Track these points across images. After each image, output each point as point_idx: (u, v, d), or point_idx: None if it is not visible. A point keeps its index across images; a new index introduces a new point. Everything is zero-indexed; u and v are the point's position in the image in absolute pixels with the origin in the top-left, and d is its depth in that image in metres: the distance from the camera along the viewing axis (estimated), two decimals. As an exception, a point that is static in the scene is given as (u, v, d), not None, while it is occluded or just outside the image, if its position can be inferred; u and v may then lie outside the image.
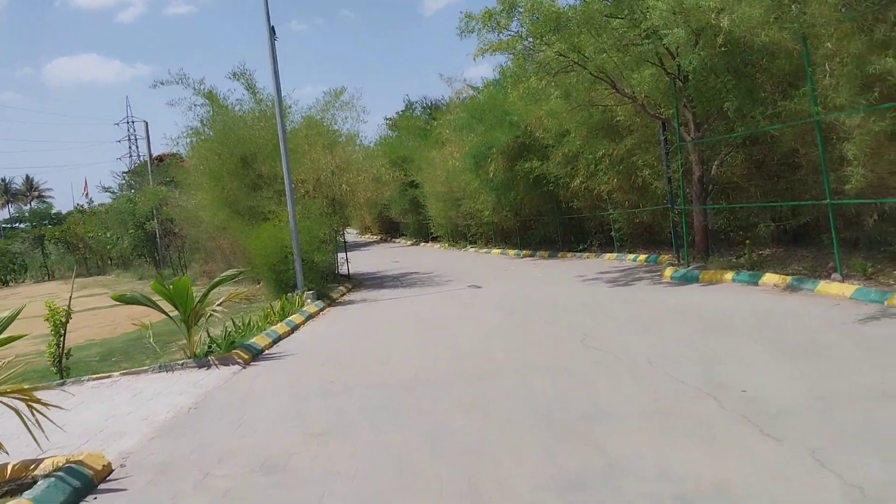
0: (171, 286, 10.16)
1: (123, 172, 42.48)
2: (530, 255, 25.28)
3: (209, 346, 10.80)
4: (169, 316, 10.51)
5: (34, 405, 5.65)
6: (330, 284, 19.43)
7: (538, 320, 11.47)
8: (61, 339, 10.18)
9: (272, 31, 17.23)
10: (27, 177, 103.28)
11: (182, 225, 30.76)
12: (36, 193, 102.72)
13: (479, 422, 6.02)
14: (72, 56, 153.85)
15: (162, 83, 20.78)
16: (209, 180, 21.67)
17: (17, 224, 53.30)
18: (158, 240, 36.28)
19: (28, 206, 74.21)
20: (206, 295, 10.60)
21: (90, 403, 8.47)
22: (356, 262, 26.08)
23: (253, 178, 20.15)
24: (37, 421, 5.65)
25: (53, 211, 55.86)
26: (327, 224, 19.00)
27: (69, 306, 10.31)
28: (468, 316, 12.71)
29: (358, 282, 21.97)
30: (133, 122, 46.36)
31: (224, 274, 11.32)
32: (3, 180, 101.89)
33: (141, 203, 34.25)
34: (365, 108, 22.38)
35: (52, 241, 46.88)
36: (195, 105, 21.43)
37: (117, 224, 37.40)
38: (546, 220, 25.89)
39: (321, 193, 19.88)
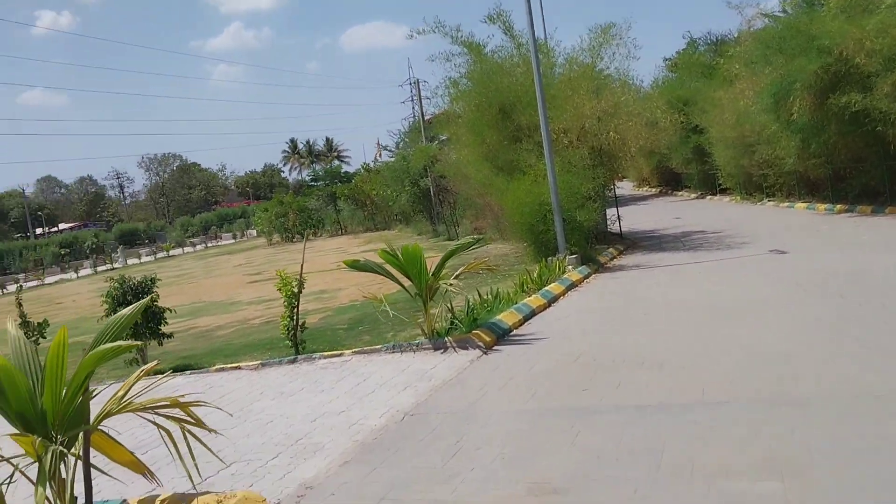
0: (402, 253, 8.86)
1: (399, 131, 43.82)
2: (846, 211, 20.86)
3: (451, 323, 9.41)
4: (403, 287, 9.27)
5: (188, 426, 4.41)
6: (598, 246, 17.34)
7: (886, 311, 8.13)
8: (294, 310, 9.40)
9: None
10: (327, 139, 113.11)
11: (452, 181, 30.44)
12: (335, 154, 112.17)
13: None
14: (362, 24, 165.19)
15: (419, 33, 19.82)
16: (469, 134, 20.51)
17: (314, 182, 57.72)
18: (432, 196, 36.56)
19: (330, 165, 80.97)
20: (440, 266, 9.17)
21: (308, 393, 7.45)
22: (630, 219, 23.56)
23: (512, 130, 18.54)
24: (186, 438, 4.41)
25: (343, 170, 59.52)
26: (591, 177, 16.76)
27: (301, 276, 9.49)
28: (775, 297, 9.74)
29: (631, 242, 19.57)
30: (414, 83, 47.29)
31: (459, 242, 9.83)
32: (308, 142, 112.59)
33: (414, 160, 34.56)
34: (636, 41, 19.19)
35: (343, 199, 49.93)
36: (452, 55, 20.19)
37: (394, 182, 38.38)
38: (867, 168, 21.16)
39: (585, 143, 17.69)
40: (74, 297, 33.06)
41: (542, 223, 15.05)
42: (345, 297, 17.14)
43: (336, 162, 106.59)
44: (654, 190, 50.65)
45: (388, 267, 9.06)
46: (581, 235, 15.39)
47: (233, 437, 6.11)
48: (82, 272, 48.67)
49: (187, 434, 4.33)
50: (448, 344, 8.66)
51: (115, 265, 50.98)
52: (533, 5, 16.10)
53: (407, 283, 9.19)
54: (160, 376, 9.61)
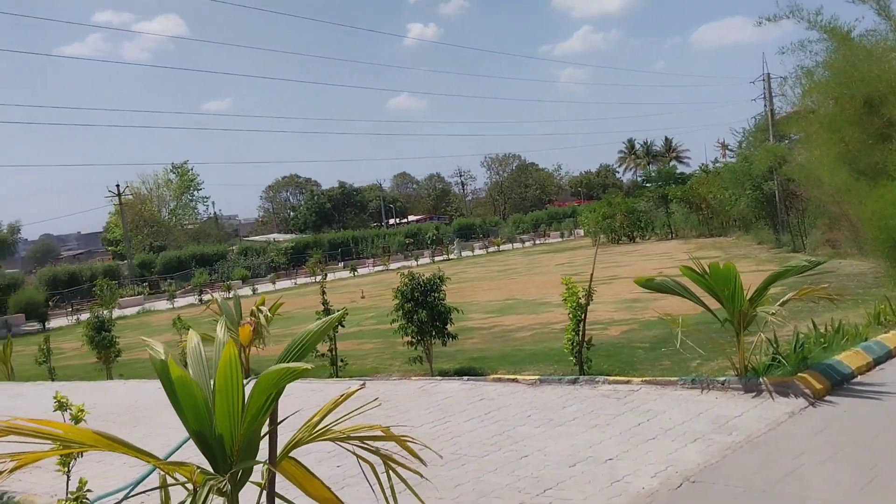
0: (709, 272, 7.30)
1: (744, 130, 39.94)
2: None
3: (773, 359, 7.60)
4: (710, 311, 7.69)
5: (392, 463, 3.59)
6: None
7: None
8: (580, 324, 8.35)
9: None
10: (666, 139, 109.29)
11: (802, 185, 26.86)
12: (674, 154, 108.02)
13: None
14: (717, 21, 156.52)
15: (769, 19, 17.43)
16: (823, 131, 17.56)
17: (646, 183, 55.76)
18: (777, 202, 32.79)
19: (665, 166, 78.17)
20: (761, 290, 7.40)
21: (578, 426, 6.36)
22: None
23: (880, 126, 15.35)
24: (395, 476, 3.60)
25: (678, 171, 56.60)
26: None
27: (590, 287, 8.40)
28: None
29: None
30: (765, 79, 43.02)
31: (791, 264, 7.90)
32: (645, 142, 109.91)
33: (757, 161, 31.21)
34: None
35: (675, 201, 47.37)
36: (808, 43, 17.37)
37: (734, 184, 35.18)
38: None
39: None
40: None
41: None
42: (660, 308, 15.63)
43: (673, 163, 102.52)
44: None
45: (693, 287, 7.57)
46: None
47: (480, 468, 5.31)
48: (422, 260, 52.64)
49: (397, 470, 3.54)
50: (763, 386, 6.93)
51: (451, 256, 54.35)
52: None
53: (715, 305, 7.61)
54: (437, 378, 9.34)
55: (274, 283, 45.84)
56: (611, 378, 7.88)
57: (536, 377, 8.31)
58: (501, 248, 59.48)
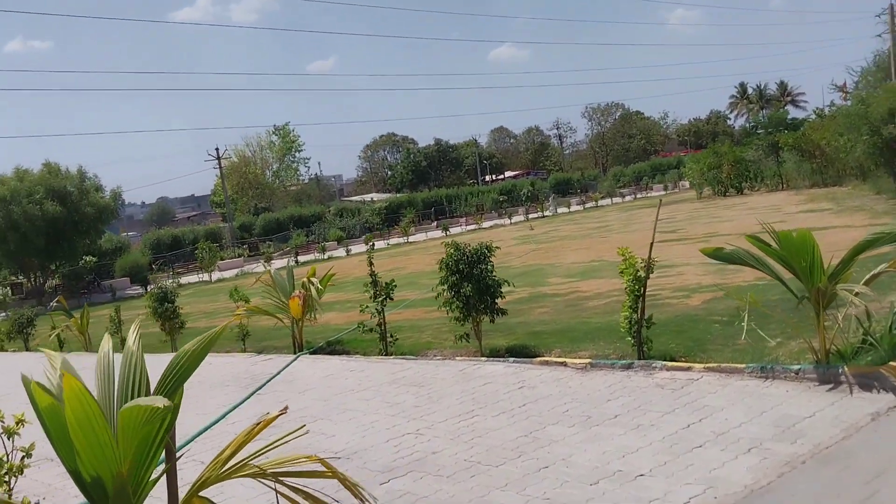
0: (780, 241, 6.22)
1: (861, 69, 36.35)
2: None
3: (863, 341, 6.47)
4: (786, 286, 6.61)
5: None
6: None
7: None
8: (639, 300, 7.42)
9: None
10: (781, 82, 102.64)
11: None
12: (789, 98, 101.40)
13: None
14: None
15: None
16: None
17: (755, 130, 52.33)
18: (898, 148, 29.86)
19: (778, 111, 73.24)
20: (846, 264, 6.24)
21: (618, 427, 5.52)
22: None
23: None
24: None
25: (790, 117, 52.75)
26: None
27: (650, 257, 7.45)
28: None
29: None
30: (892, 11, 39.05)
31: (886, 229, 6.63)
32: (759, 86, 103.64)
33: (875, 104, 28.40)
34: None
35: (786, 149, 44.17)
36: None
37: (848, 129, 32.28)
38: None
39: None
40: (498, 243, 34.69)
41: None
42: (754, 273, 14.29)
43: (788, 107, 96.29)
44: None
45: (766, 257, 6.50)
46: None
47: (489, 483, 4.61)
48: (515, 218, 51.65)
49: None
50: (843, 377, 5.85)
51: (546, 213, 53.08)
52: None
53: (791, 278, 6.53)
54: (482, 359, 8.63)
55: (367, 243, 46.03)
56: (669, 364, 6.96)
57: (587, 361, 7.48)
58: (600, 203, 57.61)
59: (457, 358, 8.63)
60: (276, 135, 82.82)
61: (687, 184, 56.67)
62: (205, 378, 9.85)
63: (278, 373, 8.98)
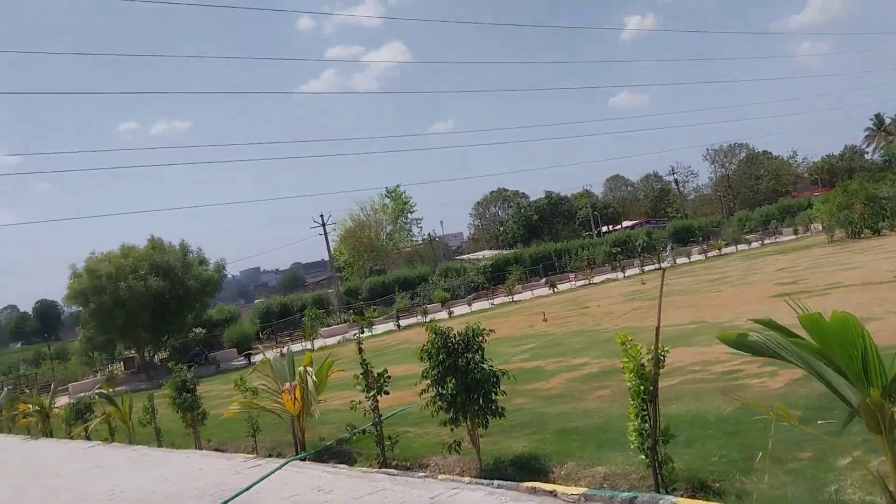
0: (806, 326, 4.19)
1: None
2: None
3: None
4: (835, 391, 4.54)
5: None
6: None
7: None
8: (647, 404, 5.52)
9: None
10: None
11: None
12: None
13: None
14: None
15: None
16: None
17: (889, 163, 47.49)
18: None
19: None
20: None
21: None
22: None
23: None
24: None
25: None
26: None
27: (657, 346, 5.58)
28: None
29: None
30: None
31: None
32: (878, 115, 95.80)
33: None
34: None
35: (929, 183, 39.62)
36: None
37: None
38: None
39: None
40: (603, 300, 32.48)
41: None
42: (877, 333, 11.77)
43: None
44: None
45: (801, 350, 4.47)
46: None
47: None
48: (630, 271, 48.93)
49: None
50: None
51: (664, 264, 50.04)
52: None
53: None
54: (463, 482, 6.86)
55: (470, 304, 44.76)
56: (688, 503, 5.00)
57: (582, 491, 5.55)
58: (723, 251, 53.85)
59: (439, 476, 6.90)
60: (389, 197, 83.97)
61: (819, 226, 52.13)
62: (174, 492, 8.67)
63: (235, 496, 7.57)
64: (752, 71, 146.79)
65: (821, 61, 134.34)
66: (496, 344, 22.72)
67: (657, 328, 5.59)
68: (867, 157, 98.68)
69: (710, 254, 53.45)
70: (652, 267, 49.63)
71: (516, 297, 45.17)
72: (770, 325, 4.44)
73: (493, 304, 44.33)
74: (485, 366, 6.87)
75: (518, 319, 31.10)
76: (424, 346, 6.99)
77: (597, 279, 47.45)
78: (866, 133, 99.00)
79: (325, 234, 56.53)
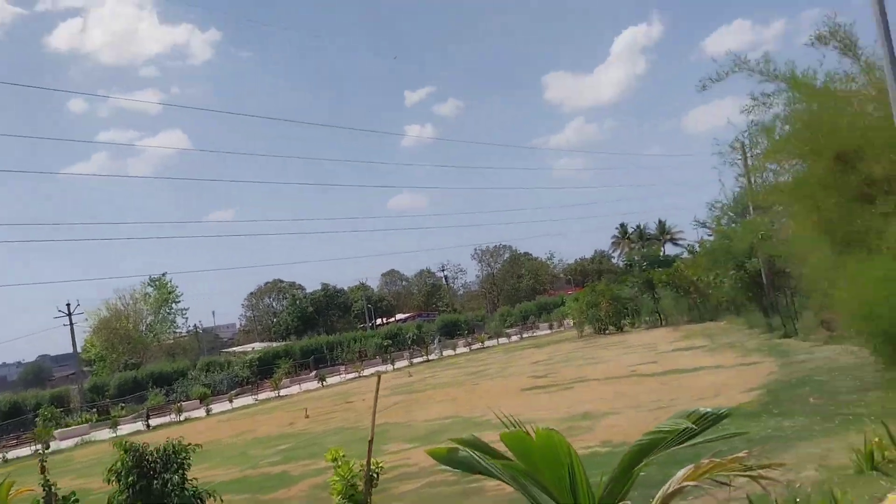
0: (510, 446, 3.94)
1: (721, 205, 37.00)
2: None
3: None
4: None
5: None
6: None
7: None
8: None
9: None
10: (660, 221, 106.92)
11: (789, 262, 24.01)
12: (668, 237, 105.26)
13: None
14: (707, 104, 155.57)
15: (712, 81, 15.01)
16: (794, 198, 14.69)
17: (631, 267, 52.77)
18: (764, 281, 29.68)
19: (650, 249, 75.35)
20: (622, 475, 4.01)
21: None
22: None
23: (857, 186, 12.41)
24: None
25: (664, 254, 53.76)
26: None
27: (368, 464, 5.17)
28: None
29: None
30: (743, 150, 40.28)
31: (674, 423, 4.34)
32: (639, 226, 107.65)
33: (736, 239, 28.28)
34: None
35: (661, 285, 44.27)
36: (763, 96, 14.72)
37: (714, 264, 32.23)
38: None
39: None
40: (368, 394, 31.94)
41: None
42: (612, 429, 12.28)
43: (667, 245, 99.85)
44: None
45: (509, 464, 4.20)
46: None
47: None
48: (399, 363, 49.14)
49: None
50: None
51: (431, 356, 50.90)
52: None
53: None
54: None
55: (232, 400, 42.21)
56: None
57: None
58: (486, 344, 56.05)
59: None
60: (152, 286, 78.43)
61: (571, 322, 56.16)
62: None
63: None
64: (517, 181, 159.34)
65: (576, 176, 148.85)
66: (249, 446, 21.38)
67: (370, 442, 5.11)
68: (613, 260, 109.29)
69: (474, 346, 55.35)
70: (420, 359, 50.28)
71: (283, 392, 43.40)
72: (472, 444, 4.12)
73: (257, 400, 42.14)
74: (187, 487, 5.95)
75: (280, 416, 29.70)
76: (112, 465, 5.94)
77: (367, 372, 47.03)
78: (612, 240, 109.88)
79: (71, 323, 51.12)
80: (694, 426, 3.62)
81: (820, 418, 9.04)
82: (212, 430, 29.83)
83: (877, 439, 6.65)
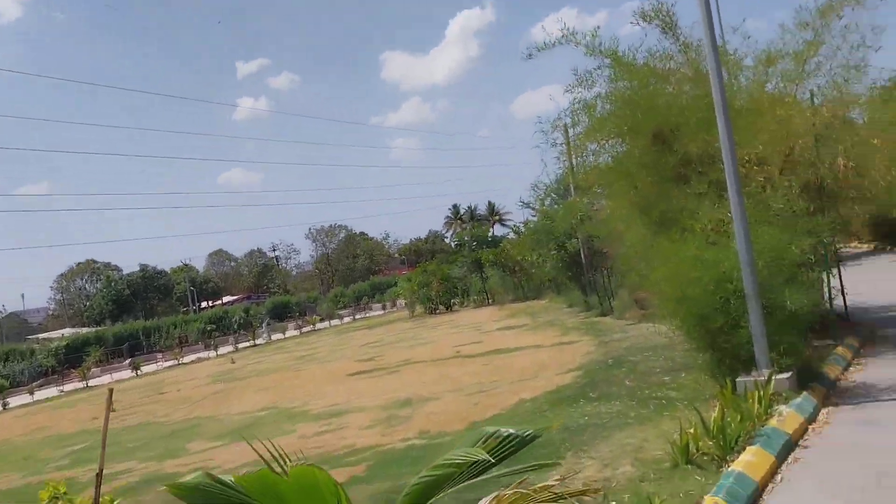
0: (284, 478, 3.06)
1: (545, 185, 38.00)
2: None
3: None
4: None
5: None
6: (817, 343, 10.65)
7: None
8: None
9: None
10: (489, 202, 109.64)
11: (606, 242, 24.52)
12: (497, 218, 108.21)
13: None
14: (534, 90, 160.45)
15: (539, 50, 14.52)
16: (613, 176, 14.66)
17: (460, 247, 53.35)
18: (583, 261, 30.48)
19: (479, 228, 76.84)
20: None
21: None
22: (848, 286, 16.22)
23: (675, 166, 12.47)
24: None
25: (491, 234, 54.79)
26: (806, 230, 10.11)
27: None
28: None
29: (867, 330, 12.58)
30: (566, 130, 41.31)
31: (466, 450, 3.54)
32: (470, 207, 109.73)
33: (558, 219, 28.82)
34: (875, 27, 12.03)
35: (489, 265, 44.98)
36: (583, 74, 14.50)
37: (537, 244, 32.88)
38: None
39: (796, 177, 11.17)
40: (185, 384, 29.87)
41: (723, 314, 8.62)
42: (432, 417, 11.65)
43: (496, 226, 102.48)
44: (866, 246, 41.05)
45: None
46: (794, 332, 8.78)
47: None
48: (223, 349, 46.68)
49: None
50: None
51: (258, 341, 48.79)
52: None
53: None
54: None
55: (33, 393, 38.30)
56: None
57: None
58: (318, 326, 54.63)
59: None
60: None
61: (403, 302, 56.05)
62: None
63: None
64: (354, 159, 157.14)
65: (412, 155, 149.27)
66: (41, 446, 19.04)
67: (98, 475, 3.99)
68: (446, 241, 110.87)
69: (305, 329, 53.79)
70: (247, 344, 48.08)
71: (92, 383, 39.90)
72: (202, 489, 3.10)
73: (62, 392, 38.47)
74: None
75: (84, 410, 27.07)
76: None
77: (187, 359, 44.31)
78: (445, 220, 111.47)
79: None
80: (490, 459, 2.84)
81: (635, 403, 8.86)
82: (3, 427, 26.79)
83: (692, 430, 6.37)
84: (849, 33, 11.56)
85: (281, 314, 64.88)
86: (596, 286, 28.68)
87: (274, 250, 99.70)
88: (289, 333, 52.75)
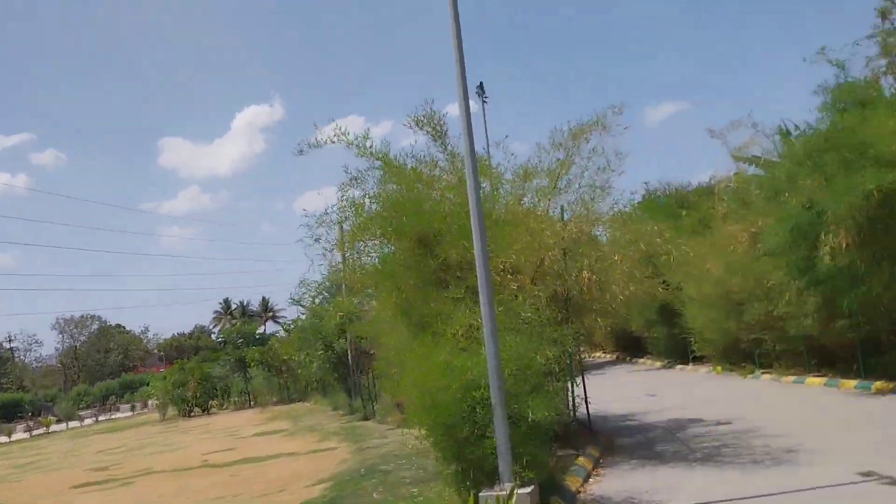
0: None
1: (316, 283, 37.41)
2: (892, 391, 15.05)
3: None
4: None
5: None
6: (561, 452, 10.83)
7: None
8: None
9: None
10: (263, 298, 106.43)
11: (373, 342, 24.28)
12: (270, 314, 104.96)
13: None
14: (317, 189, 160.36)
15: (310, 146, 14.19)
16: (379, 277, 14.44)
17: (224, 345, 50.66)
18: (350, 362, 29.91)
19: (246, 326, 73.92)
20: None
21: None
22: (591, 392, 17.09)
23: (436, 270, 12.48)
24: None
25: (260, 331, 52.80)
26: (552, 338, 10.38)
27: None
28: None
29: (607, 440, 13.13)
30: (340, 227, 41.13)
31: None
32: (242, 303, 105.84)
33: (326, 318, 28.22)
34: (619, 153, 13.30)
35: (254, 364, 42.89)
36: (360, 173, 14.40)
37: (306, 344, 31.93)
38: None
39: (545, 287, 11.59)
40: None
41: (470, 424, 8.37)
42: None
43: (269, 324, 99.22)
44: (608, 356, 44.62)
45: None
46: (538, 443, 8.73)
47: None
48: (-75, 455, 39.51)
49: None
50: None
51: (-27, 445, 42.04)
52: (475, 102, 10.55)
53: None
54: None
55: None
56: None
57: None
58: (52, 428, 48.39)
59: None
60: None
61: (155, 403, 51.58)
62: None
63: None
64: (120, 245, 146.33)
65: (185, 245, 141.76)
66: None
67: None
68: (213, 336, 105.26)
69: (35, 432, 47.46)
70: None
71: None
72: None
73: None
74: None
75: None
76: None
77: None
78: (214, 315, 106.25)
79: None
80: None
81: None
82: None
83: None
84: (595, 156, 12.54)
85: (10, 414, 56.90)
86: (360, 388, 28.16)
87: (10, 341, 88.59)
88: (15, 436, 46.27)
